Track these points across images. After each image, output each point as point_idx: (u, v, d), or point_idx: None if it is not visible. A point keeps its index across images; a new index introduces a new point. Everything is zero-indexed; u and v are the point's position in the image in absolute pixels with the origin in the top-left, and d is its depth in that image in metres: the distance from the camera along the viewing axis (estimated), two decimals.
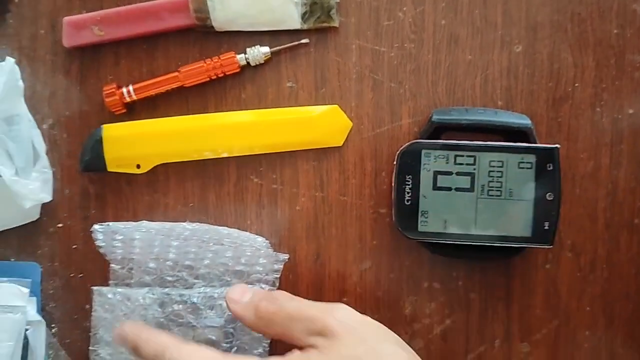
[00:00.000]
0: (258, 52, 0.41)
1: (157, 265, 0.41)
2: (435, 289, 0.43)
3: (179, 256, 0.41)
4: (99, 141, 0.41)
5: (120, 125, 0.42)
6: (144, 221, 0.42)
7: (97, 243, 0.41)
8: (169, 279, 0.41)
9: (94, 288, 0.41)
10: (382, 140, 0.42)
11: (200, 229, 0.42)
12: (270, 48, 0.42)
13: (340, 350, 0.31)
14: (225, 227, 0.42)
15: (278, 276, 0.42)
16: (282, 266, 0.42)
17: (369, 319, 0.34)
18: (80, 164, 0.42)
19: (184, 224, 0.42)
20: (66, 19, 0.42)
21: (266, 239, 0.42)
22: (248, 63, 0.42)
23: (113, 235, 0.41)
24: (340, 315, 0.33)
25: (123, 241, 0.41)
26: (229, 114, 0.42)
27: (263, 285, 0.41)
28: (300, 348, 0.33)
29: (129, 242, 0.41)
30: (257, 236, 0.43)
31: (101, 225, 0.41)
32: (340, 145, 0.42)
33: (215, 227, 0.42)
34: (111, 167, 0.42)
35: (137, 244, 0.41)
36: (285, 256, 0.42)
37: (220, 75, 0.42)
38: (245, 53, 0.41)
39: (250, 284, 0.41)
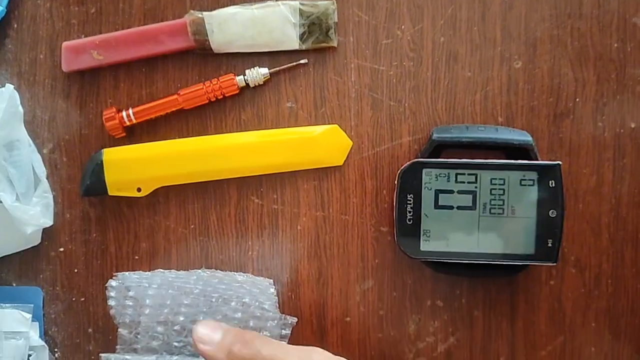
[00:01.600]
0: (257, 74, 0.41)
1: (165, 331, 0.41)
2: (438, 307, 0.42)
3: (187, 319, 0.41)
4: (100, 165, 0.41)
5: (120, 148, 0.42)
6: (159, 270, 0.43)
7: (109, 302, 0.41)
8: (176, 344, 0.41)
9: (102, 356, 0.41)
10: (383, 159, 0.42)
11: (217, 275, 0.42)
12: (269, 69, 0.42)
13: None
14: (241, 273, 0.43)
15: (286, 342, 0.41)
16: (290, 331, 0.42)
17: None
18: (81, 189, 0.42)
19: (199, 271, 0.42)
20: (65, 44, 0.42)
21: (274, 286, 0.42)
22: (247, 84, 0.42)
23: (126, 293, 0.41)
24: None
25: (135, 299, 0.41)
26: (228, 136, 0.42)
27: None
28: None
29: (141, 300, 0.41)
30: (270, 283, 0.42)
31: (115, 278, 0.41)
32: (341, 164, 0.42)
33: (231, 273, 0.42)
34: (112, 191, 0.41)
35: (148, 302, 0.41)
36: (294, 319, 0.42)
37: (219, 97, 0.42)
38: (244, 74, 0.41)
39: None
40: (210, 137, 0.42)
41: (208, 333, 0.35)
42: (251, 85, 0.42)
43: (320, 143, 0.42)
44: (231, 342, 0.34)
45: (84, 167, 0.42)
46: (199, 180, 0.42)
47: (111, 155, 0.42)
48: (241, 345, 0.33)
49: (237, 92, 0.42)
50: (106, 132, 0.42)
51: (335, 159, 0.42)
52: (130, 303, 0.41)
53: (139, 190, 0.42)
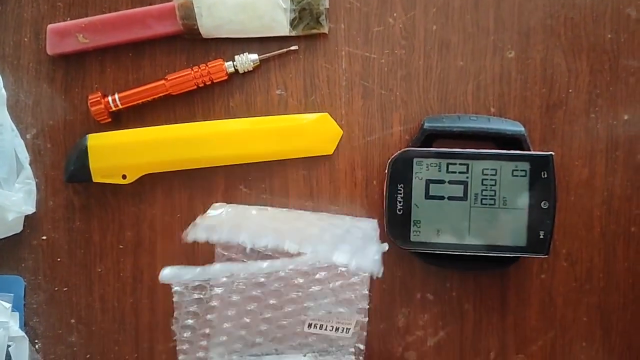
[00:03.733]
0: (246, 60, 0.41)
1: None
2: (428, 300, 0.42)
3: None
4: (84, 151, 0.40)
5: (105, 134, 0.41)
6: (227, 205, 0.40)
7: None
8: None
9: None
10: (373, 148, 0.42)
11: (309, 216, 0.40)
12: (259, 55, 0.41)
13: None
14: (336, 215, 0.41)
15: None
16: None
17: None
18: (65, 175, 0.41)
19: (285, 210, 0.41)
20: (50, 26, 0.41)
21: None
22: (236, 70, 0.41)
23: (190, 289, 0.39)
24: None
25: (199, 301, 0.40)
26: (216, 123, 0.41)
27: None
28: None
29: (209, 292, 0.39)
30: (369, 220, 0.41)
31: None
32: (331, 153, 0.41)
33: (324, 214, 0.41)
34: (96, 178, 0.41)
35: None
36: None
37: (208, 83, 0.41)
38: (233, 60, 0.41)
39: None
40: (198, 123, 0.41)
41: None
42: (240, 71, 0.41)
43: (310, 131, 0.41)
44: None
45: (68, 153, 0.41)
46: (186, 168, 0.41)
47: (96, 141, 0.41)
48: None
49: (226, 78, 0.41)
50: (91, 117, 0.41)
51: (325, 148, 0.41)
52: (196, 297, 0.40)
53: (124, 177, 0.41)
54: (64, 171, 0.41)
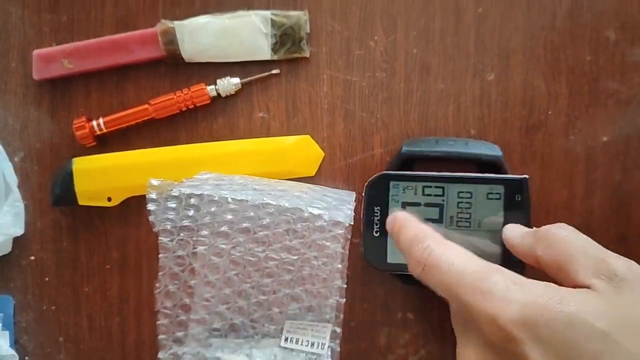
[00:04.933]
0: (228, 83, 0.41)
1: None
2: (409, 319, 0.42)
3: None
4: (70, 174, 0.41)
5: (90, 158, 0.42)
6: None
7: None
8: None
9: None
10: (354, 170, 0.42)
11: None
12: (241, 79, 0.41)
13: (626, 296, 0.28)
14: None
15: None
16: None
17: None
18: (51, 198, 0.42)
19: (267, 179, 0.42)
20: (36, 52, 0.42)
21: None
22: (219, 94, 0.42)
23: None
24: (629, 264, 0.31)
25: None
26: (200, 146, 0.42)
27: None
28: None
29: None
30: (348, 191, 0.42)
31: None
32: (313, 175, 0.42)
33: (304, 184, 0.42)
34: (82, 201, 0.41)
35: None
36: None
37: (190, 107, 0.42)
38: (215, 84, 0.41)
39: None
40: (182, 147, 0.42)
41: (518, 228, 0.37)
42: (222, 95, 0.42)
43: (292, 154, 0.42)
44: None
45: (53, 177, 0.42)
46: None
47: (81, 165, 0.41)
48: (556, 229, 0.34)
49: (209, 101, 0.42)
50: (77, 141, 0.42)
51: (307, 170, 0.42)
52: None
53: (109, 199, 0.42)
54: (50, 195, 0.42)
